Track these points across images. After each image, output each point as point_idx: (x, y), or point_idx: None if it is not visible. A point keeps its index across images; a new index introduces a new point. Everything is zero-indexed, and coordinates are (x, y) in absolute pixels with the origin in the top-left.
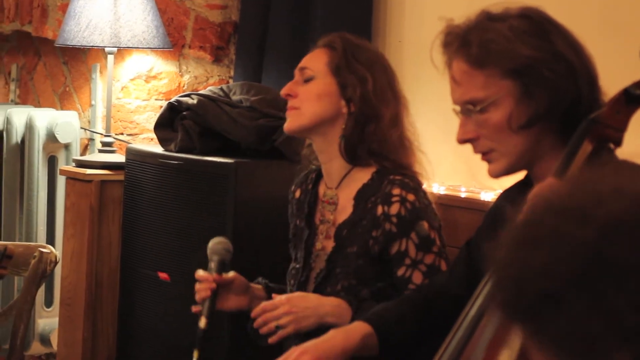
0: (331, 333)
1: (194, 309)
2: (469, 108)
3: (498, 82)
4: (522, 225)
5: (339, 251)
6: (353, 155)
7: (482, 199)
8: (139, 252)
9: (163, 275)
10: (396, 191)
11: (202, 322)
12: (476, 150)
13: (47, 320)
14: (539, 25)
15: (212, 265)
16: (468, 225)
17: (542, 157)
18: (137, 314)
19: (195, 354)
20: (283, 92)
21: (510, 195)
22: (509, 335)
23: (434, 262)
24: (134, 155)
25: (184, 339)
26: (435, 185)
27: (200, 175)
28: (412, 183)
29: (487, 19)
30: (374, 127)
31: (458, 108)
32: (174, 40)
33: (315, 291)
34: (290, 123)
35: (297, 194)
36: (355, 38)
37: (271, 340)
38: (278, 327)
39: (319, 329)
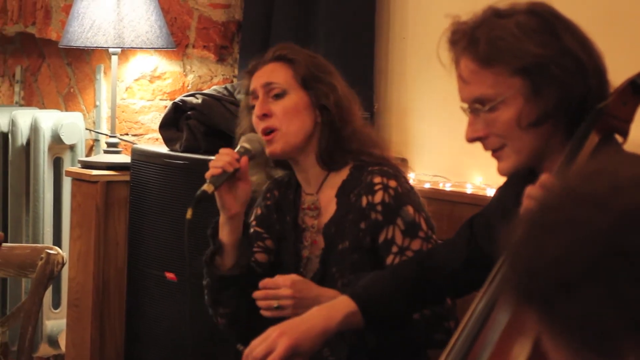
0: (312, 312)
1: (210, 173)
2: (477, 107)
3: (507, 80)
4: (538, 209)
5: (331, 250)
6: (331, 161)
7: (488, 194)
8: (146, 253)
9: (170, 275)
10: (377, 179)
11: (208, 188)
12: (486, 148)
13: (55, 322)
14: (547, 22)
15: (241, 149)
16: None
17: (551, 153)
18: (145, 314)
19: (189, 212)
20: (258, 112)
21: (518, 180)
22: (520, 331)
23: (421, 248)
24: (139, 156)
25: (191, 339)
26: (441, 182)
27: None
28: (392, 170)
29: (494, 15)
30: (350, 129)
31: (466, 106)
32: (177, 40)
33: None
34: (277, 146)
35: (276, 194)
36: (299, 47)
37: (265, 314)
38: (278, 307)
39: None
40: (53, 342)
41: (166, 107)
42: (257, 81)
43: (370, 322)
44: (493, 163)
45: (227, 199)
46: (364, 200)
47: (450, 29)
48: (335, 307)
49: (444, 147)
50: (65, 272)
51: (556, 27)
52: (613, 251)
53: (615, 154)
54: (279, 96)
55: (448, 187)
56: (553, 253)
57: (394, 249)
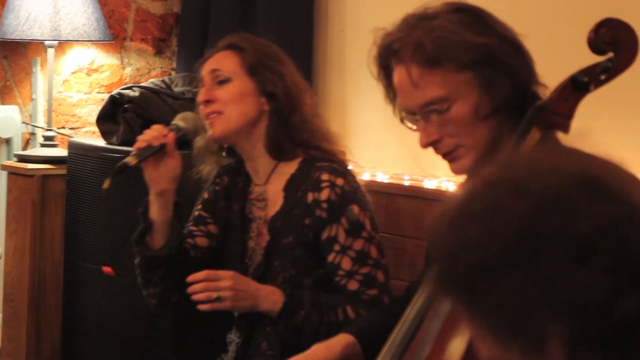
0: (313, 348)
1: (136, 146)
2: (433, 108)
3: (456, 77)
4: (459, 200)
5: (275, 243)
6: (280, 150)
7: (425, 186)
8: (82, 247)
9: (107, 269)
10: (325, 177)
11: (131, 160)
12: (440, 151)
13: None
14: (474, 14)
15: (172, 126)
16: (411, 214)
17: (503, 144)
18: (81, 308)
19: (107, 182)
20: (201, 98)
21: None
22: (457, 328)
23: (363, 248)
24: (76, 149)
25: (128, 333)
26: (379, 174)
27: (142, 168)
28: (340, 167)
29: (421, 19)
30: (298, 118)
31: (413, 115)
32: (115, 33)
33: None
34: (217, 128)
35: (226, 180)
36: (254, 36)
37: (203, 307)
38: (217, 298)
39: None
40: None
41: (103, 100)
42: (205, 69)
43: (369, 351)
44: (430, 155)
45: (153, 173)
46: (310, 197)
47: (382, 41)
48: (333, 342)
49: (382, 139)
50: (0, 267)
51: (484, 17)
52: (530, 235)
53: (540, 145)
54: (223, 82)
55: (386, 179)
56: (473, 238)
57: (336, 247)
